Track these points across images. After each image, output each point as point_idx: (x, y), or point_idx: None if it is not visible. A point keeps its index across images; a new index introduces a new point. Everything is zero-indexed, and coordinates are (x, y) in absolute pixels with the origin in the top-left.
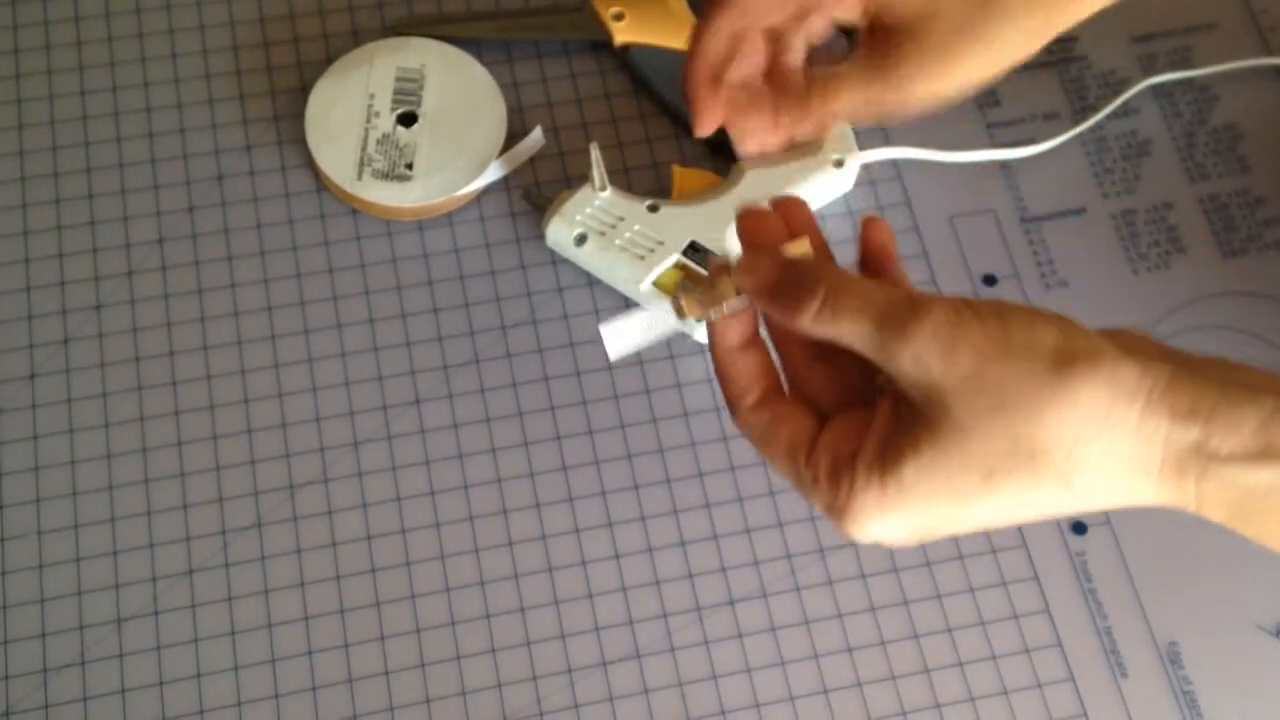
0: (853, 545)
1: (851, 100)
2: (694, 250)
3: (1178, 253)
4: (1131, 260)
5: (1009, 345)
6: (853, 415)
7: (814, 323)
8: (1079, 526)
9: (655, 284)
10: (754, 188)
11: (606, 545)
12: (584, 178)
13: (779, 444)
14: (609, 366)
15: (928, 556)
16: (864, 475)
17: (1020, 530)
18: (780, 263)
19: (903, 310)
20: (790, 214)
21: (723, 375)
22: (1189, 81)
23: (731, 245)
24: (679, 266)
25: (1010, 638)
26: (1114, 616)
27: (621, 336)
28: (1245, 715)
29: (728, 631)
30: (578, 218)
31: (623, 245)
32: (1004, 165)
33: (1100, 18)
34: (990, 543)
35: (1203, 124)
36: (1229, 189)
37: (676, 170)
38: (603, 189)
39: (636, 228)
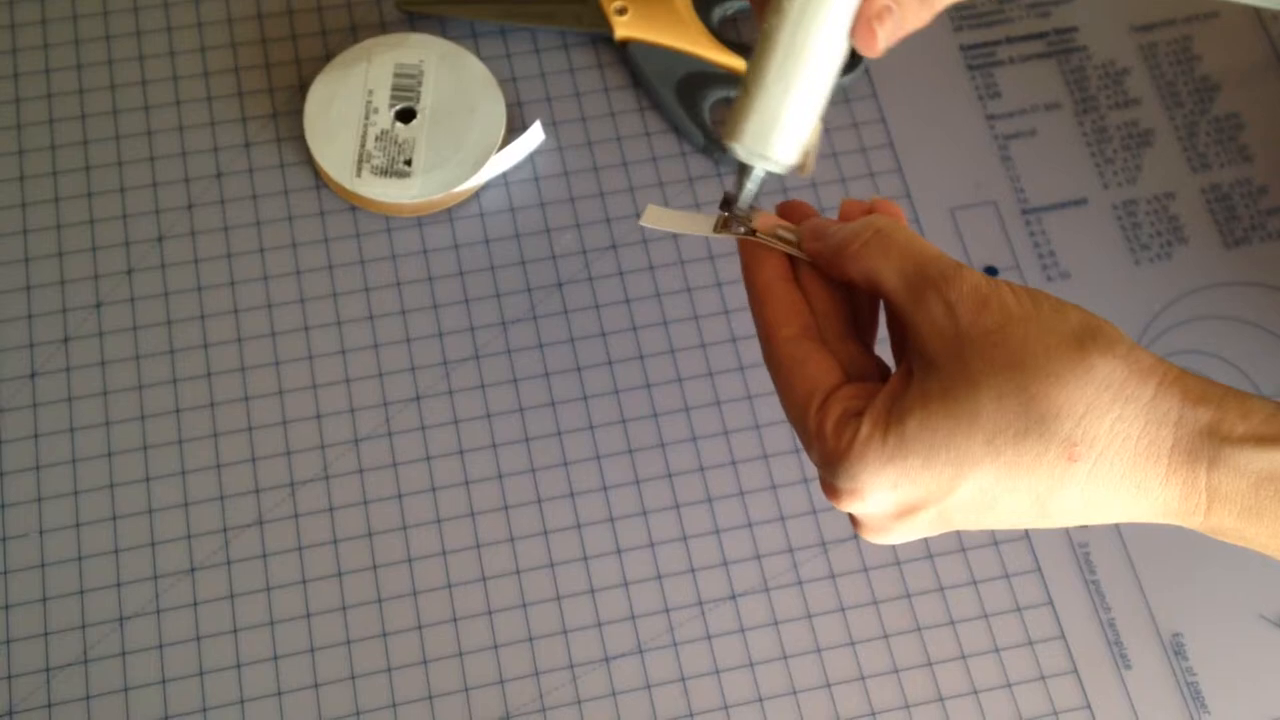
0: (854, 539)
1: None
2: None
3: (1179, 243)
4: (1133, 251)
5: (1038, 313)
6: (874, 384)
7: (860, 252)
8: None
9: None
10: None
11: (608, 540)
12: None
13: (800, 384)
14: (609, 361)
15: (930, 549)
16: (868, 427)
17: None
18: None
19: (947, 263)
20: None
21: (762, 301)
22: (1191, 71)
23: None
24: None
25: (1013, 630)
26: (1117, 608)
27: (660, 219)
28: (1250, 706)
29: (730, 626)
30: None
31: None
32: (1005, 157)
33: (1101, 7)
34: (993, 534)
35: (1204, 114)
36: (1231, 179)
37: None
38: None
39: None
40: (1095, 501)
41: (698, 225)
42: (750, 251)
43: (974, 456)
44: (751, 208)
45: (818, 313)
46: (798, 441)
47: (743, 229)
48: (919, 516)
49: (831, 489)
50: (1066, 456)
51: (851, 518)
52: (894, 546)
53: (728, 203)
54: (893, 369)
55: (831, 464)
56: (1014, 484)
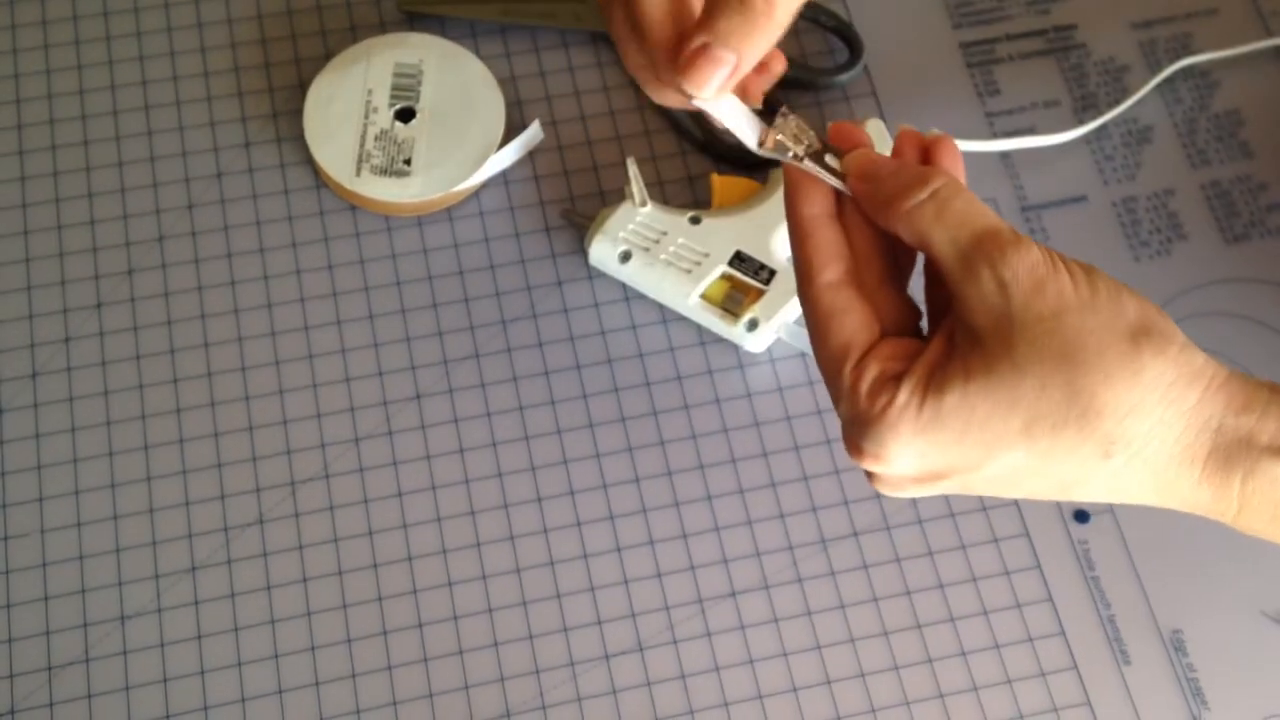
0: (853, 536)
1: None
2: (739, 260)
3: (1179, 239)
4: (1133, 247)
5: (1094, 303)
6: (911, 340)
7: (913, 213)
8: (1081, 515)
9: (703, 296)
10: None
11: (608, 538)
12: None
13: (836, 335)
14: (608, 360)
15: (930, 546)
16: (906, 394)
17: (1023, 518)
18: (895, 160)
19: (1007, 235)
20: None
21: (803, 240)
22: (1190, 67)
23: (778, 253)
24: (725, 277)
25: (1013, 626)
26: (1117, 604)
27: (721, 107)
28: (1250, 702)
29: (730, 623)
30: (620, 234)
31: (668, 260)
32: (1004, 154)
33: (1100, 4)
34: (992, 531)
35: (1204, 110)
36: (1231, 175)
37: (716, 179)
38: (643, 204)
39: (680, 241)
40: (1121, 490)
41: (745, 132)
42: (795, 181)
43: (1008, 440)
44: (800, 128)
45: (857, 254)
46: (797, 439)
47: (790, 153)
48: (940, 483)
49: (856, 448)
50: (1101, 453)
51: (869, 476)
52: (893, 546)
53: (781, 115)
54: (923, 309)
55: (861, 425)
56: (1043, 468)
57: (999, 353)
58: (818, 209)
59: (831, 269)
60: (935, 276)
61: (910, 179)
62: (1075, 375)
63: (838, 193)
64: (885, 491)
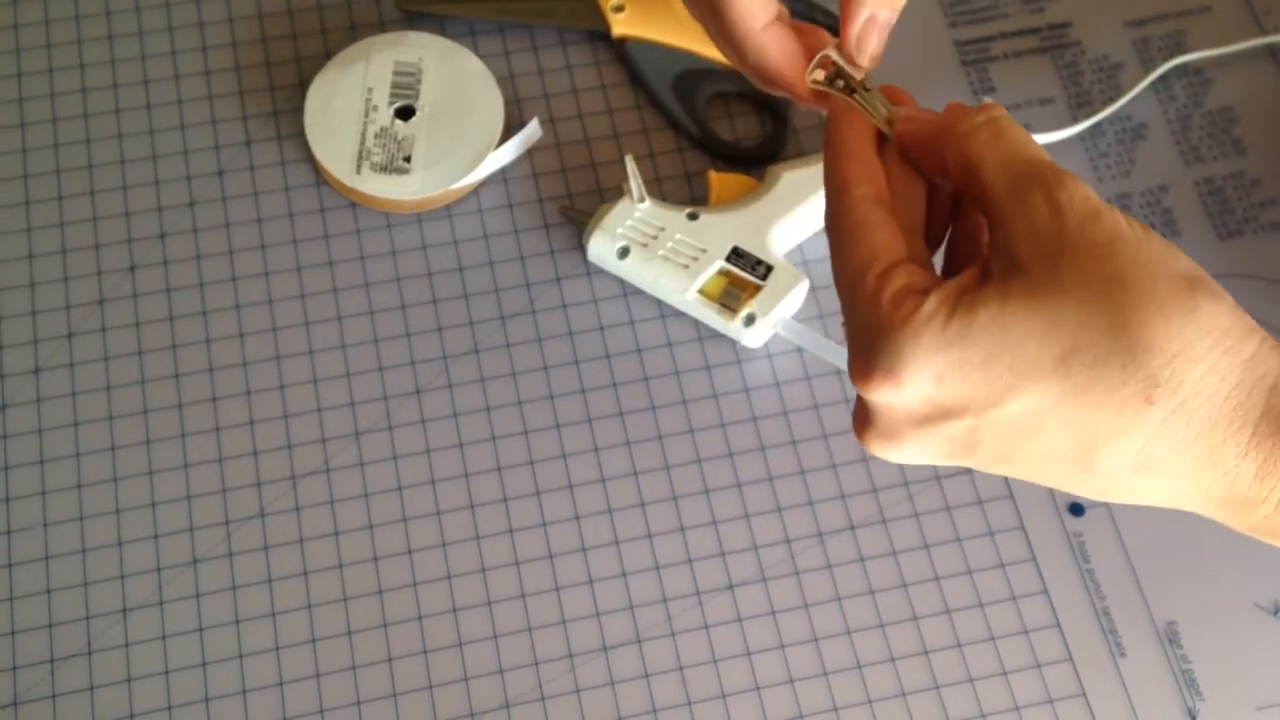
0: (850, 529)
1: None
2: (737, 255)
3: (1173, 236)
4: None
5: (1149, 242)
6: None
7: (969, 134)
8: (1076, 508)
9: (700, 292)
10: (791, 191)
11: (606, 531)
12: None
13: (865, 245)
14: (606, 355)
15: (926, 539)
16: (934, 304)
17: (1018, 511)
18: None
19: (1061, 169)
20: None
21: (844, 159)
22: (1184, 65)
23: (775, 249)
24: (723, 273)
25: (1009, 619)
26: (1112, 597)
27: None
28: (1244, 694)
29: (727, 616)
30: (619, 230)
31: (666, 255)
32: None
33: (1094, 2)
34: (988, 524)
35: (1197, 107)
36: (1224, 172)
37: (713, 176)
38: (641, 200)
39: (678, 237)
40: (1153, 461)
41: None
42: (842, 106)
43: (1040, 369)
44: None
45: (896, 195)
46: (794, 433)
47: (842, 82)
48: (944, 428)
49: (866, 365)
50: (1143, 397)
51: (859, 416)
52: (890, 539)
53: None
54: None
55: (879, 333)
56: (1073, 413)
57: (1043, 277)
58: (864, 135)
59: (869, 185)
60: (963, 229)
61: (969, 109)
62: (1125, 302)
63: (880, 137)
64: (875, 444)
